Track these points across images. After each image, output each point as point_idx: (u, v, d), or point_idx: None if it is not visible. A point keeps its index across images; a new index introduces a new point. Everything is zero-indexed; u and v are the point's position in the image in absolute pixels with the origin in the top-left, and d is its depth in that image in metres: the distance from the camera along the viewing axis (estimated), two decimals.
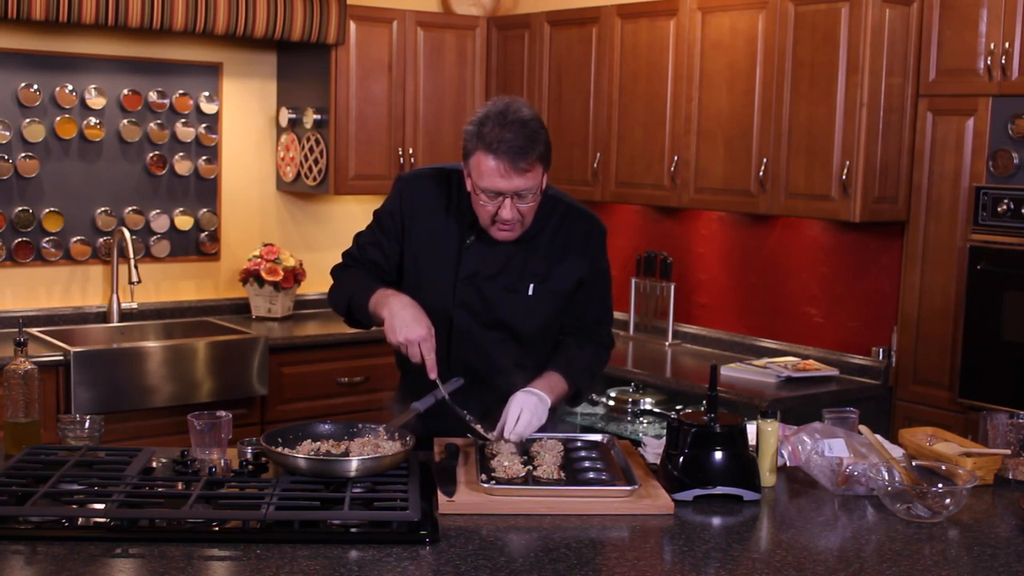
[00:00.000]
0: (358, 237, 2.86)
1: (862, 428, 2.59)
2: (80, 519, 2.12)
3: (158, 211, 4.88)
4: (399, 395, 2.83)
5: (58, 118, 4.61)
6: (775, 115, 4.18)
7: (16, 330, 3.05)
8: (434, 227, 2.72)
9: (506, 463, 2.41)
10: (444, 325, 2.69)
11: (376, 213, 2.82)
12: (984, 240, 3.79)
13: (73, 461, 2.42)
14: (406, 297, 2.62)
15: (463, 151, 2.58)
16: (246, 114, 5.12)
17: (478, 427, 2.58)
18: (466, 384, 2.63)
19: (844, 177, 3.96)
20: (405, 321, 2.55)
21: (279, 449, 2.37)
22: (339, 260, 2.92)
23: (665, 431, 2.49)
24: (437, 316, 2.66)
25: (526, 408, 2.55)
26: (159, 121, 4.83)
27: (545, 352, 2.77)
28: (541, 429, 2.66)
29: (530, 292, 2.69)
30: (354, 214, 5.41)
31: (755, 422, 2.52)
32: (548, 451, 2.50)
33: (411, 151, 5.14)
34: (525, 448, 2.54)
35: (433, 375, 2.56)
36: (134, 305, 4.78)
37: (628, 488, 2.31)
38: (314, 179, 5.02)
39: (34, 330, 4.48)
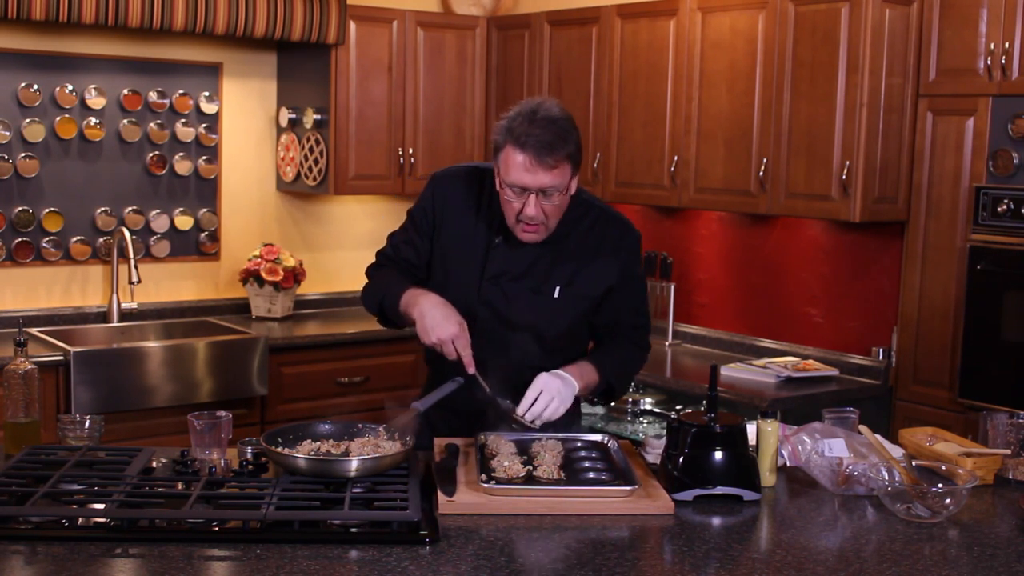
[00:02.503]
0: (392, 236, 2.87)
1: (862, 428, 2.59)
2: (80, 519, 2.12)
3: (158, 211, 4.88)
4: (425, 391, 2.80)
5: (58, 118, 4.61)
6: (775, 115, 4.18)
7: (16, 330, 3.05)
8: (463, 226, 2.72)
9: (506, 463, 2.41)
10: (468, 324, 2.69)
11: (410, 212, 2.83)
12: (984, 240, 3.79)
13: (73, 461, 2.42)
14: (436, 296, 2.61)
15: (493, 147, 2.58)
16: (246, 114, 5.12)
17: (505, 403, 2.56)
18: (491, 382, 2.60)
19: (844, 177, 3.96)
20: (436, 320, 2.54)
21: (279, 449, 2.37)
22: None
23: (665, 431, 2.49)
24: (461, 314, 2.65)
25: (547, 389, 2.53)
26: (159, 121, 4.83)
27: (570, 355, 2.75)
28: (553, 428, 2.65)
29: (556, 295, 2.69)
30: (354, 214, 5.42)
31: (755, 422, 2.52)
32: (548, 451, 2.50)
33: (411, 151, 5.14)
34: (525, 448, 2.54)
35: (471, 370, 2.55)
36: (134, 305, 4.78)
37: (628, 488, 2.31)
38: (314, 179, 5.02)
39: (34, 330, 4.48)
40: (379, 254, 2.87)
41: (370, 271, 2.86)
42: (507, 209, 2.59)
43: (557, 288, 2.69)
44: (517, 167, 2.50)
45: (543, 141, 2.48)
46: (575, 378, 2.61)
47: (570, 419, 2.85)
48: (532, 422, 2.56)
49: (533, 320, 2.70)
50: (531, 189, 2.52)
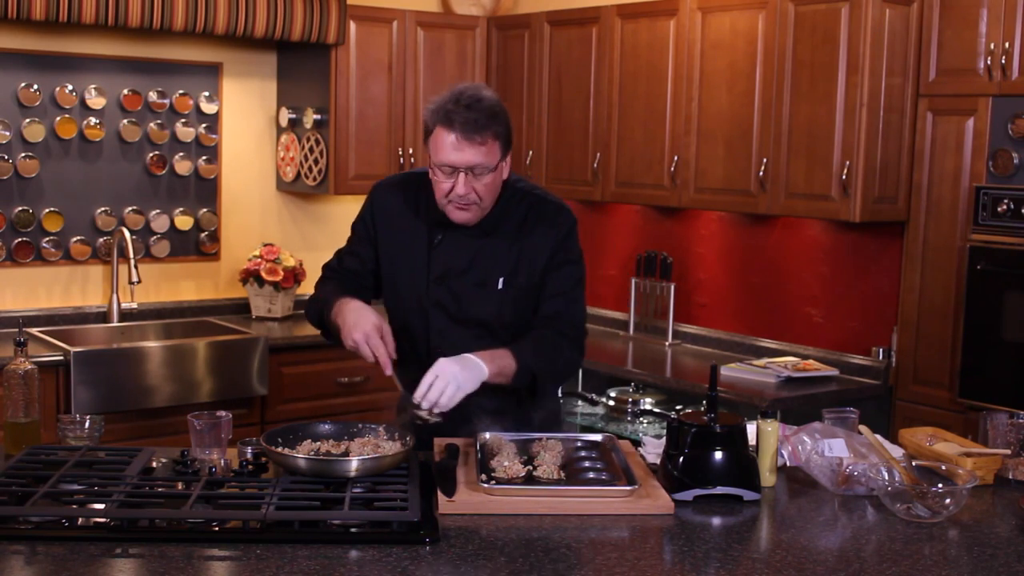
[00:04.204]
0: (338, 251, 2.90)
1: (862, 428, 2.59)
2: (80, 519, 2.12)
3: (158, 211, 4.88)
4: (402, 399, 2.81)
5: (58, 118, 4.61)
6: (775, 115, 4.18)
7: (16, 330, 3.05)
8: (404, 231, 2.75)
9: (506, 463, 2.41)
10: (422, 324, 2.71)
11: (352, 224, 2.88)
12: (984, 240, 3.79)
13: (73, 461, 2.42)
14: (356, 302, 2.63)
15: (424, 132, 2.62)
16: (246, 114, 5.12)
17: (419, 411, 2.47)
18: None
19: (844, 177, 3.96)
20: (350, 324, 2.56)
21: (279, 449, 2.37)
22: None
23: (665, 431, 2.49)
24: (414, 316, 2.70)
25: (442, 375, 2.43)
26: (159, 121, 4.83)
27: None
28: (549, 429, 2.64)
29: (499, 286, 2.69)
30: (354, 214, 5.36)
31: (755, 422, 2.52)
32: (548, 451, 2.50)
33: (411, 151, 5.14)
34: (525, 448, 2.54)
35: (388, 372, 2.55)
36: (134, 305, 4.78)
37: (628, 488, 2.31)
38: (314, 179, 5.02)
39: (34, 330, 4.48)
40: (325, 267, 2.89)
41: (316, 285, 2.88)
42: (437, 190, 2.61)
43: (500, 279, 2.69)
44: (446, 146, 2.54)
45: (470, 119, 2.52)
46: (484, 361, 2.51)
47: (551, 419, 2.85)
48: (429, 411, 2.46)
49: (482, 315, 2.70)
50: (460, 168, 2.54)
